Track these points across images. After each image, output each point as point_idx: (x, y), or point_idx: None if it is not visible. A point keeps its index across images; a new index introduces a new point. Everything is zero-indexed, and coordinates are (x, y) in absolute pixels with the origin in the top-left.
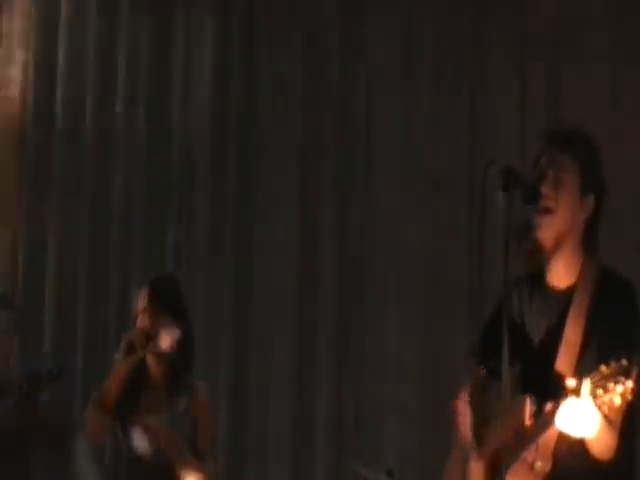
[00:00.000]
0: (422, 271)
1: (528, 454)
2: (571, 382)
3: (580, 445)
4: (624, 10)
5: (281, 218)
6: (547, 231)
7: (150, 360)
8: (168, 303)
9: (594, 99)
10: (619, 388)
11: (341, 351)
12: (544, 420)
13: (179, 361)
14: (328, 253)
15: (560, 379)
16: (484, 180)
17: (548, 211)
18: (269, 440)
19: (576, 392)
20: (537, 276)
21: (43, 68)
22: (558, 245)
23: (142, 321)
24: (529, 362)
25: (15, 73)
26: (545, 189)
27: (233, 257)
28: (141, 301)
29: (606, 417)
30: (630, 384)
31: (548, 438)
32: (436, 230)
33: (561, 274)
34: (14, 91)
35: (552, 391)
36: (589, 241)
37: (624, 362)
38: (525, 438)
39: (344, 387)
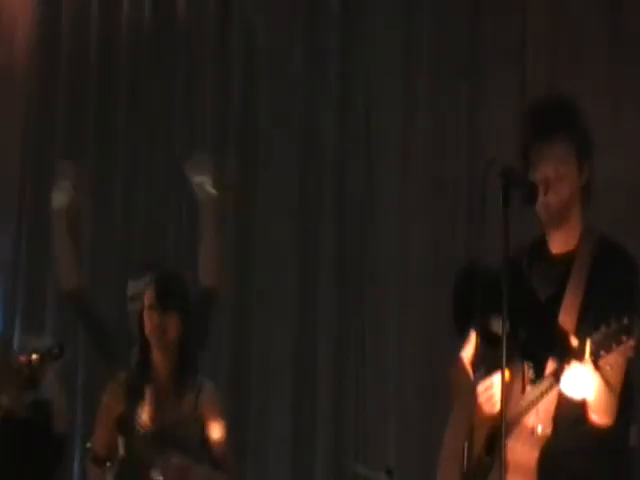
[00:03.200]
0: (422, 271)
1: (528, 419)
2: (574, 342)
3: (581, 409)
4: (624, 10)
5: (281, 218)
6: (547, 211)
7: (156, 358)
8: (176, 301)
9: (594, 99)
10: (621, 347)
11: (341, 351)
12: (546, 382)
13: (185, 359)
14: (328, 253)
15: (562, 341)
16: (484, 180)
17: (552, 216)
18: (269, 440)
19: (579, 355)
20: (538, 244)
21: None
22: (561, 216)
23: (150, 318)
24: (530, 322)
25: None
26: (551, 195)
27: (233, 257)
28: (147, 298)
29: (607, 382)
30: (632, 342)
31: (549, 403)
32: (436, 230)
33: (562, 240)
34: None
35: (552, 352)
36: (586, 201)
37: (625, 320)
38: (526, 403)
39: (344, 387)
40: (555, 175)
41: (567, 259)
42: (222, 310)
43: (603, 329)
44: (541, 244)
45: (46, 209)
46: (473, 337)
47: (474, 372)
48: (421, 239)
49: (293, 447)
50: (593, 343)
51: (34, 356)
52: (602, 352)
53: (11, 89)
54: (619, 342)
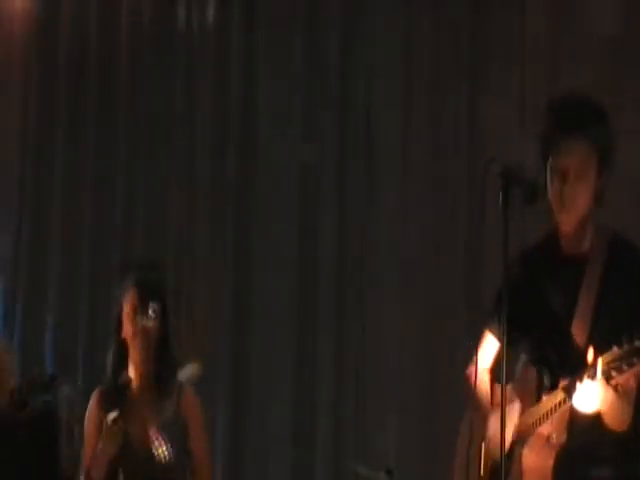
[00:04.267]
0: (422, 271)
1: (543, 427)
2: (587, 357)
3: (594, 416)
4: (624, 10)
5: (281, 218)
6: (569, 225)
7: (135, 362)
8: (158, 304)
9: (594, 99)
10: (633, 369)
11: (341, 351)
12: (558, 396)
13: (164, 362)
14: (328, 253)
15: (574, 354)
16: (484, 179)
17: (567, 211)
18: (269, 440)
19: (591, 374)
20: (550, 244)
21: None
22: (579, 224)
23: (132, 322)
24: (544, 328)
25: None
26: (568, 189)
27: (233, 257)
28: (129, 302)
29: (620, 395)
30: None
31: (562, 411)
32: (436, 229)
33: (575, 241)
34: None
35: (566, 359)
36: (599, 204)
37: (637, 343)
38: (540, 413)
39: (344, 387)
40: (576, 169)
41: (580, 261)
42: (222, 310)
43: (615, 350)
44: (552, 244)
45: (46, 209)
46: (489, 341)
47: (491, 377)
48: (421, 239)
49: (293, 447)
50: (605, 363)
51: (24, 383)
52: (614, 373)
53: (11, 89)
54: (631, 364)
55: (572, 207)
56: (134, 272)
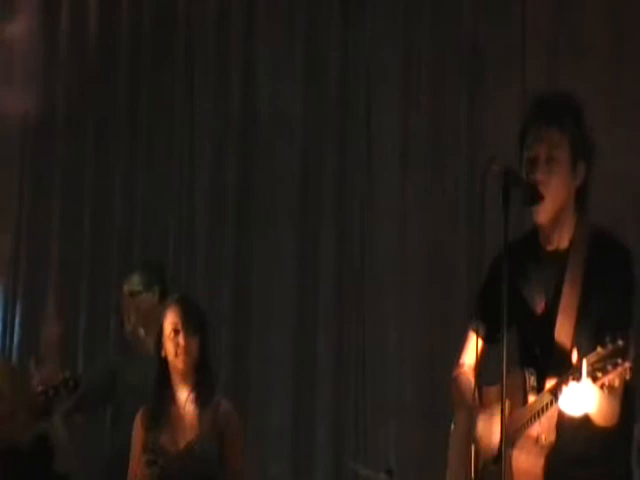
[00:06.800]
0: (422, 271)
1: (532, 429)
2: (572, 358)
3: (583, 415)
4: (624, 10)
5: (281, 218)
6: (543, 215)
7: (176, 381)
8: (198, 324)
9: (594, 99)
10: (618, 369)
11: (341, 351)
12: (545, 399)
13: (204, 380)
14: (328, 254)
15: (559, 347)
16: (484, 180)
17: (542, 197)
18: (269, 440)
19: (576, 375)
20: (531, 241)
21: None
22: (555, 217)
23: (174, 342)
24: (528, 328)
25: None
26: (540, 175)
27: (233, 257)
28: (171, 322)
29: (606, 393)
30: (627, 364)
31: (551, 411)
32: (436, 229)
33: (555, 238)
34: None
35: (552, 359)
36: (581, 203)
37: (620, 343)
38: (528, 415)
39: (344, 387)
40: (546, 156)
41: (560, 259)
42: (223, 310)
43: (599, 350)
44: (531, 241)
45: (46, 209)
46: (473, 341)
47: (476, 377)
48: (421, 239)
49: (293, 447)
50: (589, 364)
51: (50, 386)
52: (599, 374)
53: (11, 88)
54: (615, 365)
55: (546, 191)
56: (176, 295)
